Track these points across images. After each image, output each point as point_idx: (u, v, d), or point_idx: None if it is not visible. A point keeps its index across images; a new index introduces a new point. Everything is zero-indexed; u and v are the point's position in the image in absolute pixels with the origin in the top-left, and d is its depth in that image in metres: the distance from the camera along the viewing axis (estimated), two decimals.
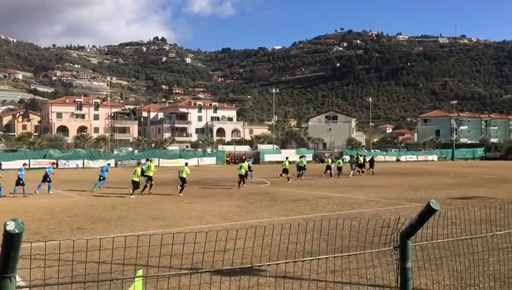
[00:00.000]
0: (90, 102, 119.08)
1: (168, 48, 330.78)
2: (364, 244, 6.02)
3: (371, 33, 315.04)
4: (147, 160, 26.02)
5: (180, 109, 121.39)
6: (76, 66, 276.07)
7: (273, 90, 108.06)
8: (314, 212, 16.46)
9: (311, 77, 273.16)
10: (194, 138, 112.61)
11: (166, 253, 5.34)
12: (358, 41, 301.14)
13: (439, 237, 7.50)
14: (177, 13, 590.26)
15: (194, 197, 21.69)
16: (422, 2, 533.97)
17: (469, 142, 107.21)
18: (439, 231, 7.84)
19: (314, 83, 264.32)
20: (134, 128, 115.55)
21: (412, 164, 68.28)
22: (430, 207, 3.30)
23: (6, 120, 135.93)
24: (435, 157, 79.56)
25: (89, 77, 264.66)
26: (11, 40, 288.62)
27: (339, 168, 37.16)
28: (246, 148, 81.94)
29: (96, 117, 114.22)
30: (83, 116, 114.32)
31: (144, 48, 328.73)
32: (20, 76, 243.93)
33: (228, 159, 67.27)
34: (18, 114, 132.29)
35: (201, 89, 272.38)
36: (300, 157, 38.14)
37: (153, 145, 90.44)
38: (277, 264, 4.00)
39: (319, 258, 4.24)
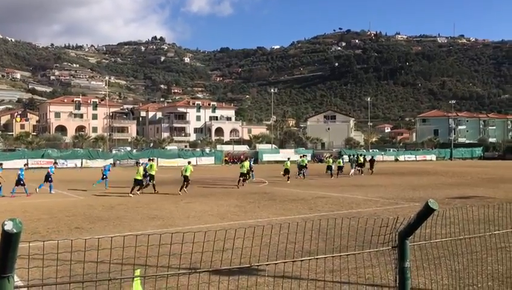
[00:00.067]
0: (89, 101, 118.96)
1: (166, 47, 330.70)
2: (363, 244, 6.02)
3: (369, 33, 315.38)
4: (149, 160, 26.11)
5: (178, 109, 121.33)
6: (74, 65, 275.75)
7: (272, 90, 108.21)
8: (312, 212, 16.47)
9: (310, 76, 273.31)
10: (193, 137, 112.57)
11: (165, 253, 5.34)
12: (357, 41, 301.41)
13: (438, 237, 7.51)
14: (175, 13, 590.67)
15: (193, 197, 21.68)
16: (420, 1, 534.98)
17: (467, 141, 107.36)
18: (437, 231, 7.86)
19: (313, 83, 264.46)
20: (132, 128, 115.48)
21: (411, 163, 68.35)
22: (428, 207, 3.30)
23: (4, 120, 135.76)
24: (433, 157, 79.66)
25: (87, 77, 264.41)
26: (9, 39, 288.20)
27: (340, 168, 37.28)
28: (244, 148, 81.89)
29: (94, 117, 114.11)
30: (81, 115, 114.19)
31: (143, 48, 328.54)
32: (18, 75, 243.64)
33: (227, 158, 67.25)
34: (16, 113, 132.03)
35: (200, 89, 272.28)
36: (301, 156, 38.25)
37: (152, 144, 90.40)
38: (276, 263, 4.00)
39: (317, 258, 4.24)
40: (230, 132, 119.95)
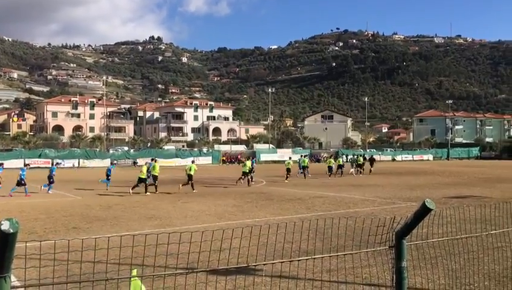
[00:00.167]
0: (86, 101, 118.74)
1: (164, 47, 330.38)
2: (360, 243, 6.03)
3: (366, 33, 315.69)
4: (152, 160, 26.22)
5: (176, 109, 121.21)
6: (71, 65, 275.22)
7: (269, 90, 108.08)
8: (310, 212, 16.48)
9: (307, 76, 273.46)
10: (190, 137, 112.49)
11: (162, 252, 5.34)
12: (354, 41, 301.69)
13: (435, 237, 7.52)
14: (173, 12, 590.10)
15: (190, 197, 21.67)
16: (418, 2, 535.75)
17: (464, 141, 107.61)
18: (434, 230, 7.87)
19: (310, 83, 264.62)
20: (130, 128, 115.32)
21: (408, 163, 68.45)
22: (425, 206, 3.31)
23: (1, 119, 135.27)
24: (430, 157, 79.80)
25: (84, 76, 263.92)
26: (6, 39, 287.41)
27: (340, 166, 37.40)
28: (242, 148, 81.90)
29: (91, 116, 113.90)
30: (78, 115, 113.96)
31: (140, 47, 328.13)
32: (15, 75, 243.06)
33: (224, 158, 67.24)
34: (13, 113, 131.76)
35: (197, 89, 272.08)
36: (303, 156, 38.55)
37: (149, 144, 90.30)
38: (273, 263, 4.00)
39: (314, 258, 4.24)
40: (228, 131, 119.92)
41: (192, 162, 26.91)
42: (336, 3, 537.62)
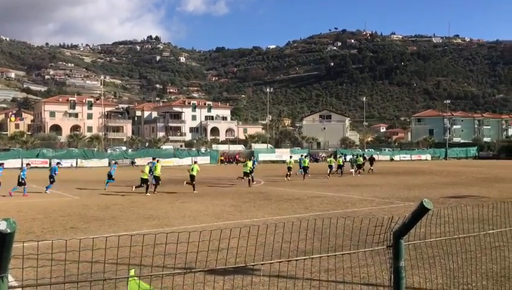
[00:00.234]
0: (84, 101, 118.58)
1: (162, 46, 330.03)
2: (358, 243, 6.03)
3: (365, 32, 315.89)
4: (154, 159, 26.27)
5: (174, 108, 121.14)
6: (69, 64, 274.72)
7: (267, 90, 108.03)
8: (308, 212, 16.49)
9: (305, 76, 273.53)
10: (188, 137, 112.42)
11: (160, 252, 5.33)
12: (353, 41, 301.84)
13: (432, 236, 7.53)
14: (171, 12, 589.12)
15: (188, 197, 21.67)
16: (416, 1, 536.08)
17: (462, 141, 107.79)
18: (432, 230, 7.88)
19: (308, 82, 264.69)
20: (128, 128, 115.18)
21: (406, 163, 68.52)
22: (423, 206, 3.31)
23: None
24: (429, 157, 79.92)
25: (82, 76, 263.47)
26: (4, 38, 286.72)
27: (340, 166, 37.48)
28: (240, 148, 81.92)
29: (89, 116, 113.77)
30: (76, 115, 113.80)
31: (138, 47, 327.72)
32: (12, 75, 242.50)
33: (222, 158, 67.22)
34: (11, 113, 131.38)
35: (196, 88, 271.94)
36: (304, 156, 38.62)
37: (147, 144, 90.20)
38: (271, 263, 4.00)
39: (312, 258, 4.24)
40: (226, 131, 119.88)
41: (195, 162, 27.05)
42: (334, 3, 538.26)
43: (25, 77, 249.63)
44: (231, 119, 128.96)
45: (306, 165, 35.09)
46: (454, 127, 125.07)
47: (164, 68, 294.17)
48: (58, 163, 30.24)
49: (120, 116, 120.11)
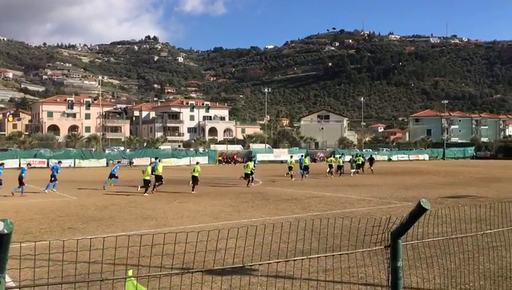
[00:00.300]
0: (82, 101, 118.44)
1: (160, 47, 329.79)
2: (356, 243, 6.04)
3: (362, 33, 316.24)
4: (156, 159, 26.31)
5: (172, 108, 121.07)
6: (67, 64, 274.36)
7: (266, 90, 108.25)
8: (306, 212, 16.50)
9: (303, 76, 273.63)
10: (186, 137, 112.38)
11: (158, 253, 5.33)
12: (350, 41, 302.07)
13: (430, 236, 7.54)
14: (169, 12, 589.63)
15: (186, 197, 21.66)
16: (413, 2, 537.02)
17: (460, 141, 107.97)
18: (429, 230, 7.89)
19: (307, 83, 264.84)
20: (126, 128, 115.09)
21: (404, 163, 68.59)
22: (420, 206, 3.31)
23: None
24: (426, 157, 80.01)
25: (80, 76, 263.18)
26: (1, 38, 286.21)
27: (340, 167, 37.68)
28: (238, 148, 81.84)
29: (87, 116, 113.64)
30: (74, 115, 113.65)
31: (136, 47, 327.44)
32: (10, 75, 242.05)
33: (220, 158, 67.18)
34: (8, 113, 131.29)
35: (194, 88, 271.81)
36: (304, 156, 38.98)
37: (145, 144, 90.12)
38: (269, 263, 4.00)
39: (310, 258, 4.25)
40: (224, 131, 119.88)
41: (197, 163, 27.13)
42: (332, 3, 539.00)
43: (22, 77, 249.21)
44: (229, 119, 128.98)
45: (306, 164, 35.77)
46: (452, 127, 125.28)
47: (162, 68, 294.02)
48: (59, 162, 30.16)
49: (118, 116, 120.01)
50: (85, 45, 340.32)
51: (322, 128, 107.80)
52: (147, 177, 23.20)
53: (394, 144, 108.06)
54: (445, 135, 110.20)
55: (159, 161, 25.46)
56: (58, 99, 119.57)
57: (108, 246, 4.90)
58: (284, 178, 33.34)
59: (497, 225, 7.90)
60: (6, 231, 2.17)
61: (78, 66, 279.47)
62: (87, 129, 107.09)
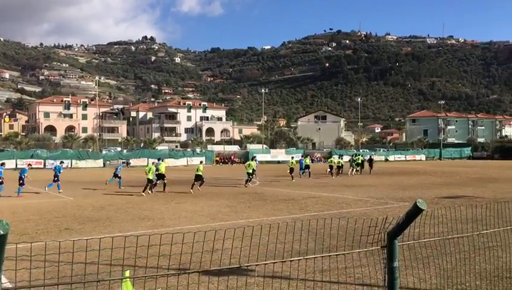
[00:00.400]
0: (78, 101, 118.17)
1: (157, 47, 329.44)
2: (352, 243, 6.04)
3: (359, 33, 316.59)
4: (159, 159, 26.51)
5: (169, 109, 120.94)
6: (64, 65, 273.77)
7: (263, 90, 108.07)
8: (303, 212, 16.50)
9: (301, 76, 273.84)
10: (183, 137, 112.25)
11: (155, 253, 5.33)
12: (347, 42, 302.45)
13: (427, 236, 7.57)
14: (166, 12, 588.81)
15: (183, 197, 21.64)
16: (410, 2, 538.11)
17: (456, 141, 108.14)
18: (426, 230, 7.91)
19: (304, 83, 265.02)
20: (123, 128, 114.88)
21: (400, 163, 68.72)
22: (416, 207, 3.32)
23: None
24: (423, 157, 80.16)
25: (77, 76, 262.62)
26: None
27: (339, 167, 38.02)
28: (235, 148, 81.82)
29: (84, 117, 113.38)
30: (70, 115, 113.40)
31: (133, 47, 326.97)
32: (7, 75, 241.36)
33: (217, 159, 67.14)
34: (5, 114, 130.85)
35: (191, 89, 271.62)
36: (305, 157, 39.58)
37: (142, 145, 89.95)
38: (265, 264, 4.00)
39: (307, 258, 4.25)
40: (221, 132, 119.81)
41: (201, 162, 27.61)
42: (329, 4, 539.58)
43: (19, 78, 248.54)
44: (226, 119, 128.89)
45: (307, 164, 36.54)
46: (449, 127, 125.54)
47: (159, 69, 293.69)
48: (61, 162, 30.18)
49: (115, 116, 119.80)
50: (82, 45, 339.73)
51: (319, 129, 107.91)
52: (150, 177, 23.52)
53: (391, 144, 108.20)
54: (442, 135, 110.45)
55: (162, 161, 25.75)
56: (55, 100, 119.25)
57: (105, 247, 4.89)
58: (284, 178, 33.45)
59: (493, 225, 7.92)
60: (2, 232, 2.17)
61: (75, 67, 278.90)
62: (84, 130, 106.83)
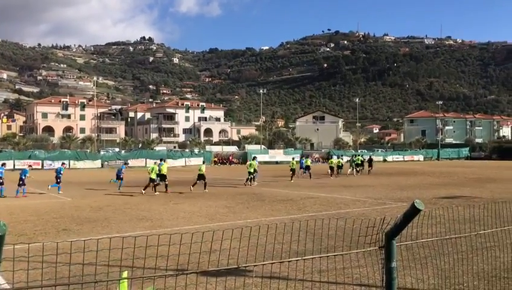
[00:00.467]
0: (76, 102, 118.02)
1: (155, 47, 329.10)
2: (350, 244, 6.05)
3: (357, 34, 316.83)
4: (161, 160, 26.62)
5: (167, 109, 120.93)
6: (62, 65, 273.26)
7: (261, 91, 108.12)
8: (301, 213, 16.51)
9: (299, 77, 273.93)
10: (182, 138, 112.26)
11: (152, 254, 5.32)
12: (345, 42, 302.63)
13: (425, 237, 7.57)
14: (164, 13, 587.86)
15: (182, 198, 21.63)
16: (408, 3, 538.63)
17: (454, 142, 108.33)
18: (424, 231, 7.92)
19: (302, 84, 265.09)
20: (121, 129, 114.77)
21: (399, 164, 68.80)
22: (414, 207, 3.33)
23: None
24: (421, 157, 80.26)
25: (75, 77, 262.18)
26: None
27: (339, 167, 38.36)
28: (233, 149, 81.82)
29: (82, 117, 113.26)
30: (68, 116, 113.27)
31: (131, 48, 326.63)
32: (4, 76, 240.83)
33: (216, 159, 67.11)
34: (3, 114, 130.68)
35: (189, 89, 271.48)
36: (305, 157, 40.01)
37: (140, 145, 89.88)
38: (263, 264, 4.00)
39: (305, 259, 4.25)
40: (219, 132, 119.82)
41: (203, 162, 27.67)
42: (327, 5, 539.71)
43: (17, 78, 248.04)
44: (224, 120, 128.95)
45: (308, 164, 36.82)
46: (447, 128, 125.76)
47: (157, 69, 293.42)
48: (63, 163, 30.21)
49: (113, 117, 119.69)
50: (80, 46, 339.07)
51: (317, 129, 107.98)
52: (153, 176, 23.68)
53: (389, 144, 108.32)
54: (440, 135, 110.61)
55: (164, 162, 25.90)
56: (52, 100, 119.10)
57: (102, 248, 4.89)
58: (283, 178, 33.53)
59: (491, 225, 7.94)
60: None
61: (73, 67, 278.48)
62: (82, 130, 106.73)
